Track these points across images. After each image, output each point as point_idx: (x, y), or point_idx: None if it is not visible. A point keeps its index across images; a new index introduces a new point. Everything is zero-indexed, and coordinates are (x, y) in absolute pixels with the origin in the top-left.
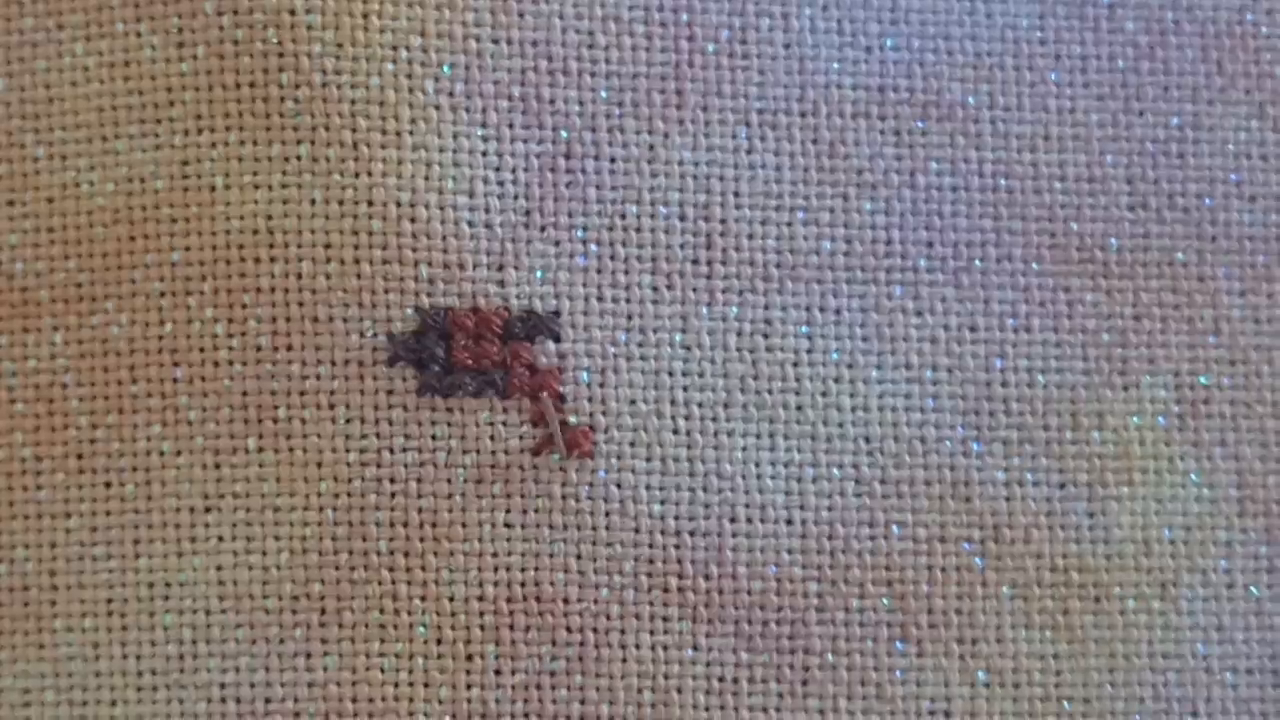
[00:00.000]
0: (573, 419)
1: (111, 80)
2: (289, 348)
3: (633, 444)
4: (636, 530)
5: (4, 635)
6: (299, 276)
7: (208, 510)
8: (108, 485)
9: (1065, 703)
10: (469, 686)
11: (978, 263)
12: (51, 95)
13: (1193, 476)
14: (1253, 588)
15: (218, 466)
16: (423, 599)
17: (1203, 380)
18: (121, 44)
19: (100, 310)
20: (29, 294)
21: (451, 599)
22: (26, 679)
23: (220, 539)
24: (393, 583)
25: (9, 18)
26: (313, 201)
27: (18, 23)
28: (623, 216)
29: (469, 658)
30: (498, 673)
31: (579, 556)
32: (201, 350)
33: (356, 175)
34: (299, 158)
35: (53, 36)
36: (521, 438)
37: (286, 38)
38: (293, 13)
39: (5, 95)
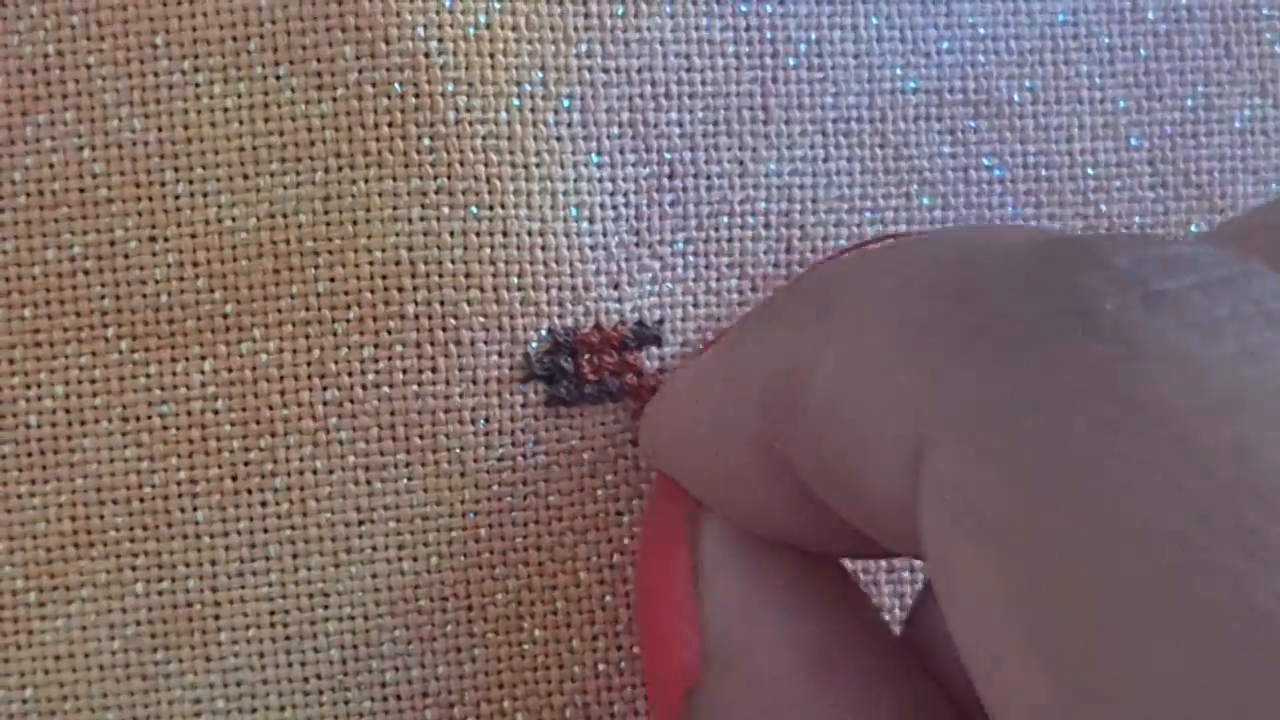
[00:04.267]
0: None
1: (251, 121)
2: (433, 370)
3: None
4: None
5: (172, 650)
6: (441, 304)
7: (361, 523)
8: (263, 505)
9: None
10: (596, 663)
11: None
12: (190, 135)
13: None
14: None
15: (369, 482)
16: (554, 588)
17: None
18: (260, 86)
19: (248, 339)
20: (176, 325)
21: (578, 585)
22: (196, 689)
23: (374, 549)
24: (528, 575)
25: (143, 60)
26: (451, 233)
27: (152, 65)
28: (716, 229)
29: (594, 637)
30: (619, 648)
31: None
32: (349, 375)
33: (490, 207)
34: (436, 192)
35: (189, 79)
36: (625, 430)
37: (421, 79)
38: (426, 55)
39: (143, 135)
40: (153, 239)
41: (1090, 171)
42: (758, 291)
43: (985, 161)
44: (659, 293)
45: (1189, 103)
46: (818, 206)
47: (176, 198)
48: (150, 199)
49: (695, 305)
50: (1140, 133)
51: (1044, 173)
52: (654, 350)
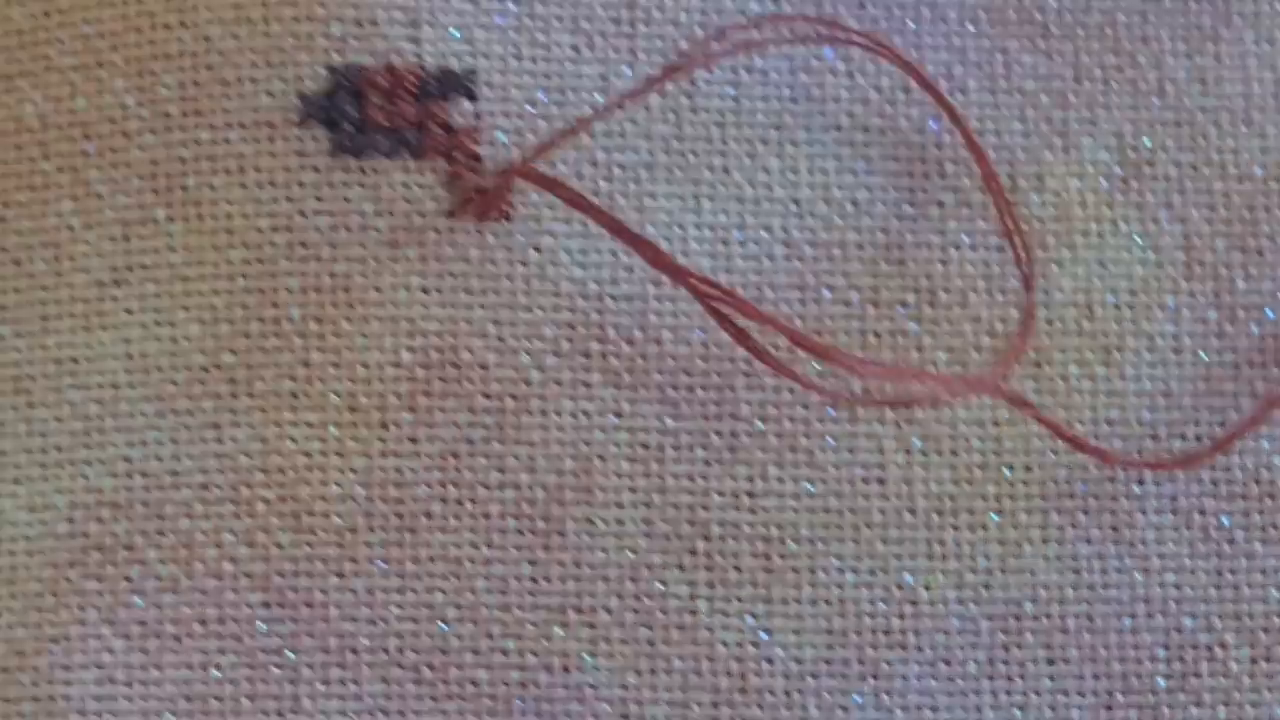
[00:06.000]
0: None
1: None
2: (198, 113)
3: (551, 206)
4: (556, 295)
5: None
6: (207, 39)
7: (116, 284)
8: (16, 263)
9: (1005, 469)
10: (383, 455)
11: (911, 24)
12: None
13: (1137, 239)
14: (1201, 352)
15: (126, 239)
16: (336, 366)
17: (1146, 142)
18: None
19: (14, 89)
20: None
21: (365, 366)
22: None
23: (129, 311)
24: (305, 350)
25: None
26: None
27: None
28: None
29: (384, 425)
30: (413, 440)
31: (497, 322)
32: (112, 122)
33: None
34: None
35: None
36: (437, 199)
37: None
38: None
39: None
40: None
41: None
42: (595, 50)
43: None
44: (470, 40)
45: None
46: None
47: None
48: None
49: (517, 58)
50: None
51: None
52: (466, 105)
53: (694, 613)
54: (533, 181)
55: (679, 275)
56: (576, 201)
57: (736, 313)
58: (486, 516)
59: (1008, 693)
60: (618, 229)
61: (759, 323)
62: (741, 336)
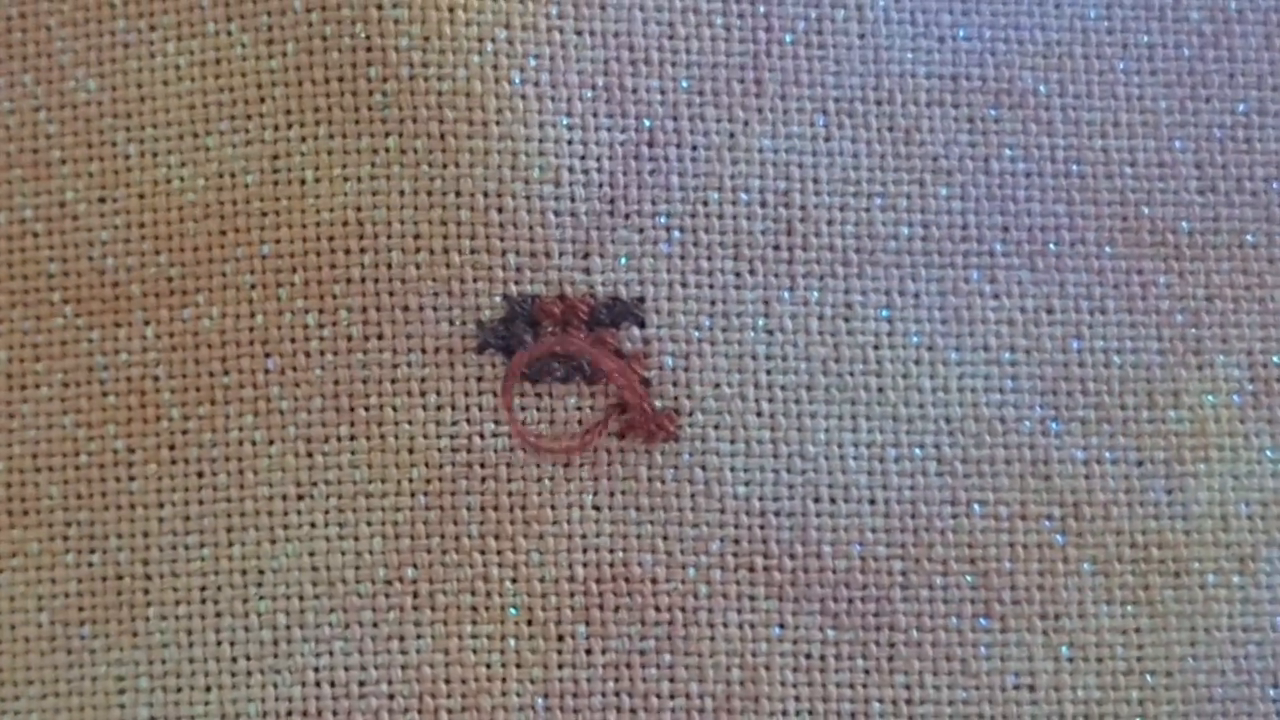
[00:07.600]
0: (658, 403)
1: (203, 78)
2: (379, 336)
3: (717, 427)
4: (722, 511)
5: (98, 624)
6: (389, 267)
7: (300, 498)
8: (200, 475)
9: (1148, 675)
10: (560, 666)
11: (1052, 246)
12: (143, 94)
13: (1268, 453)
14: None
15: (310, 455)
16: (514, 581)
17: (1276, 360)
18: (212, 43)
19: (191, 304)
20: (120, 289)
21: (542, 580)
22: (121, 666)
23: (313, 525)
24: (484, 565)
25: (101, 20)
26: (401, 193)
27: (109, 24)
28: (704, 204)
29: (560, 638)
30: (588, 652)
31: (665, 538)
32: (293, 341)
33: (444, 166)
34: (387, 150)
35: (144, 37)
36: (608, 421)
37: (374, 32)
38: (380, 7)
39: (98, 95)
40: (101, 200)
41: (1129, 171)
42: (755, 275)
43: (1008, 153)
44: (639, 269)
45: (1240, 107)
46: (820, 187)
47: (126, 158)
48: (101, 159)
49: (683, 285)
50: (1184, 135)
51: (1075, 168)
52: (635, 332)
53: None
54: None
55: None
56: None
57: None
58: None
59: None
60: None
61: None
62: None
